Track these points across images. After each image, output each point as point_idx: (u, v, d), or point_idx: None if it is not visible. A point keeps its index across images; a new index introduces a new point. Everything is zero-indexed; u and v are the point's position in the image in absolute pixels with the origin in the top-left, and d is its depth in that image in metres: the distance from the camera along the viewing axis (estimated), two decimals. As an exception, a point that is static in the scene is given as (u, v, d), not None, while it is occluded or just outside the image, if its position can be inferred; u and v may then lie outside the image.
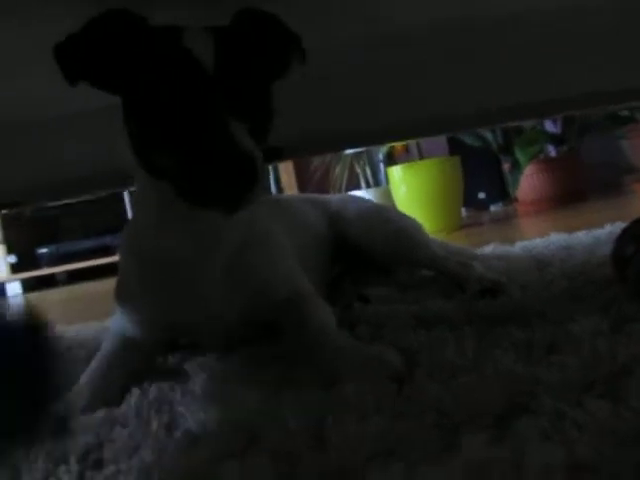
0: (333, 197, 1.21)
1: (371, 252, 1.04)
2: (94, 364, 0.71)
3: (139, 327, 0.75)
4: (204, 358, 0.75)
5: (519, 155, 3.18)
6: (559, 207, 3.00)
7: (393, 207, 1.13)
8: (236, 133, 0.54)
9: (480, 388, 0.50)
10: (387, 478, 0.37)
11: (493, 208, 3.87)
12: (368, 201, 1.21)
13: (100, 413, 0.59)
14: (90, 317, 1.60)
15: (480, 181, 3.72)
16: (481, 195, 3.95)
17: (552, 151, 3.38)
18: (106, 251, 3.79)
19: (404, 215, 1.13)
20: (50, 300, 2.89)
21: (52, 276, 3.85)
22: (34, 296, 3.20)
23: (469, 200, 3.49)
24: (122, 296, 0.76)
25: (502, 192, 3.77)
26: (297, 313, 0.71)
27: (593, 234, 1.39)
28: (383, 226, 1.05)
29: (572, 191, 3.14)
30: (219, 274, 0.71)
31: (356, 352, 0.63)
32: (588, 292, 0.78)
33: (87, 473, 0.46)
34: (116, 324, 0.78)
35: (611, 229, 1.39)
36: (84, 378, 0.68)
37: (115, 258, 3.84)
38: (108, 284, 3.05)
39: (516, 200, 3.43)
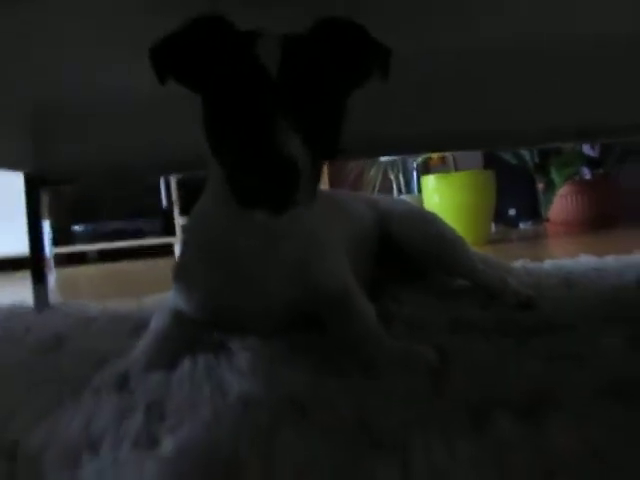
0: (382, 197, 1.26)
1: (414, 254, 1.08)
2: (149, 335, 0.77)
3: (193, 306, 0.80)
4: (247, 339, 0.81)
5: (554, 175, 3.19)
6: (590, 230, 3.00)
7: (438, 217, 1.17)
8: (285, 140, 0.57)
9: (504, 384, 0.55)
10: (430, 451, 0.42)
11: (522, 226, 3.87)
12: (416, 206, 1.26)
13: (157, 376, 0.65)
14: (122, 295, 1.67)
15: (512, 198, 3.72)
16: (511, 212, 3.96)
17: (587, 174, 3.37)
18: (137, 234, 3.92)
19: (448, 225, 1.17)
20: (82, 275, 2.99)
21: (84, 254, 3.97)
22: (68, 271, 3.30)
23: (499, 216, 3.50)
24: (181, 276, 0.82)
25: (533, 211, 3.77)
26: (343, 309, 0.76)
27: (622, 260, 1.41)
28: (430, 232, 1.08)
29: (604, 215, 3.13)
30: (277, 268, 0.76)
31: (395, 347, 0.68)
32: (617, 311, 0.81)
33: (152, 424, 0.52)
34: (172, 300, 0.83)
35: (640, 257, 1.41)
36: (140, 347, 0.74)
37: (145, 242, 3.97)
38: (137, 265, 3.16)
39: (547, 220, 3.43)
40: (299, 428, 0.49)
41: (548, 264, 1.45)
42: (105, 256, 3.97)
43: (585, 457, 0.39)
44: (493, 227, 3.48)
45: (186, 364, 0.69)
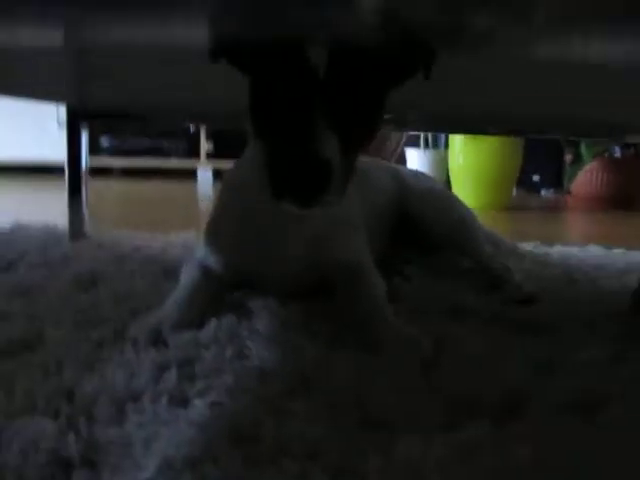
0: (405, 170, 1.30)
1: (429, 234, 1.14)
2: (179, 290, 0.85)
3: (220, 264, 0.88)
4: (267, 300, 0.89)
5: (584, 150, 3.17)
6: (610, 209, 3.01)
7: (457, 197, 1.22)
8: (322, 140, 0.61)
9: (483, 384, 0.63)
10: (406, 440, 0.50)
11: (544, 193, 3.88)
12: (438, 184, 1.30)
13: (187, 334, 0.74)
14: (148, 222, 1.77)
15: (537, 165, 3.71)
16: (535, 178, 3.95)
17: (617, 152, 3.34)
18: (159, 152, 4.04)
19: (466, 206, 1.22)
20: (109, 193, 3.09)
21: (110, 169, 4.06)
22: (95, 185, 3.40)
23: (522, 180, 3.51)
24: (212, 234, 0.90)
25: (557, 180, 3.77)
26: (355, 285, 0.84)
27: (630, 255, 1.46)
28: (448, 214, 1.14)
29: (628, 196, 3.13)
30: (297, 242, 0.83)
31: (397, 330, 0.76)
32: (602, 321, 0.87)
33: (184, 383, 0.61)
34: (200, 255, 0.91)
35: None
36: (171, 300, 0.83)
37: (169, 163, 4.05)
38: (159, 187, 3.23)
39: (569, 192, 3.43)
40: (305, 401, 0.58)
41: (556, 251, 1.50)
42: (129, 173, 4.06)
43: (537, 469, 0.48)
44: (515, 191, 3.49)
45: (212, 324, 0.78)
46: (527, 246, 1.53)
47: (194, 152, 4.05)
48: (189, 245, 1.30)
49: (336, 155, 0.62)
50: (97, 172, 4.00)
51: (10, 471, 0.45)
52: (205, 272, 0.89)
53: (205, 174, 3.82)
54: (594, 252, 1.50)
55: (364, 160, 1.19)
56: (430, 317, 0.86)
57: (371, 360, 0.69)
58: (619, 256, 1.46)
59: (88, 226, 1.50)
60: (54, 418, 0.51)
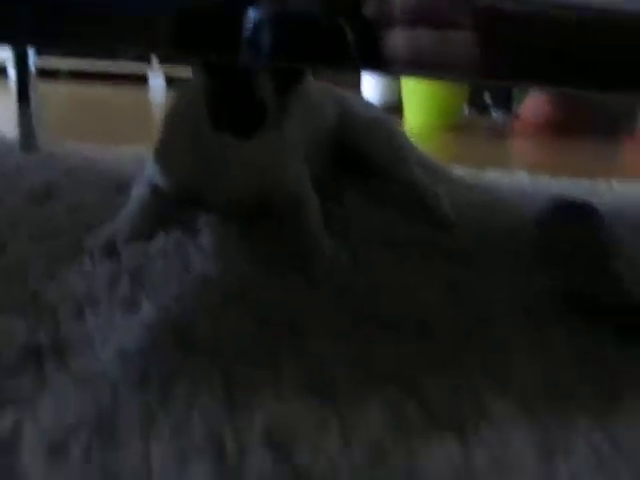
0: (350, 97, 1.36)
1: (367, 160, 1.22)
2: (131, 205, 0.93)
3: (168, 183, 0.96)
4: (211, 219, 0.97)
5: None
6: (557, 135, 3.13)
7: (399, 128, 1.30)
8: (257, 79, 0.69)
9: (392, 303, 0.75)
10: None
11: (495, 114, 3.97)
12: (382, 113, 1.37)
13: (138, 246, 0.82)
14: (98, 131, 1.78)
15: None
16: (487, 98, 4.02)
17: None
18: (111, 55, 3.85)
19: (406, 136, 1.30)
20: (57, 97, 3.00)
21: (56, 71, 3.88)
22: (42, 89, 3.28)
23: (474, 100, 3.59)
24: (161, 154, 0.96)
25: (507, 102, 3.86)
26: (294, 211, 0.94)
27: (559, 184, 1.59)
28: (387, 141, 1.23)
29: (575, 121, 3.22)
30: (241, 168, 0.91)
31: (325, 251, 0.87)
32: (513, 248, 1.00)
33: (135, 290, 0.70)
34: (150, 172, 0.97)
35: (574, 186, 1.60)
36: (123, 214, 0.91)
37: (114, 65, 3.90)
38: (108, 92, 3.12)
39: (517, 116, 3.53)
40: (240, 308, 0.69)
41: (489, 177, 1.62)
42: (77, 76, 3.90)
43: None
44: (466, 110, 3.56)
45: (160, 238, 0.87)
46: (461, 171, 1.64)
47: (145, 56, 3.91)
48: (140, 159, 1.34)
49: (270, 93, 0.70)
50: (43, 74, 3.83)
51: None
52: (154, 189, 0.96)
53: (157, 81, 3.72)
54: (520, 180, 1.63)
55: (311, 86, 1.24)
56: (357, 242, 0.97)
57: (299, 278, 0.80)
58: (547, 185, 1.59)
59: (38, 136, 1.51)
60: (24, 318, 0.60)
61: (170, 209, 0.98)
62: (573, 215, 1.00)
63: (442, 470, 0.46)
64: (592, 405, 0.56)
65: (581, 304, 0.75)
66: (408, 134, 1.40)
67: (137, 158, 1.39)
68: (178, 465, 0.43)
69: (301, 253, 0.87)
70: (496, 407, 0.53)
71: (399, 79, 3.18)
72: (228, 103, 0.71)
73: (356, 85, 3.23)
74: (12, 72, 1.63)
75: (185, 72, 0.99)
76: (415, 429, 0.50)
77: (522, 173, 1.69)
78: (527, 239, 1.05)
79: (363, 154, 1.22)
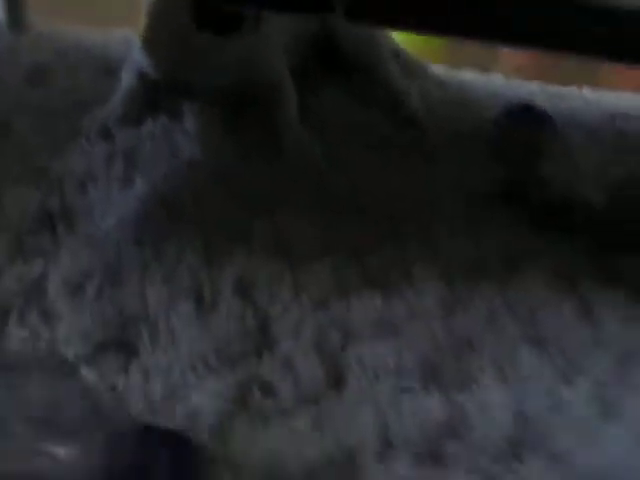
0: None
1: (344, 53, 1.27)
2: (121, 90, 1.00)
3: (155, 69, 1.02)
4: (195, 104, 1.05)
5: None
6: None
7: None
8: None
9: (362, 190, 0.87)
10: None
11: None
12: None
13: (130, 129, 0.92)
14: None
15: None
16: None
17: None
18: None
19: (385, 32, 1.33)
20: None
21: None
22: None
23: None
24: (147, 41, 1.01)
25: None
26: (273, 100, 1.02)
27: (529, 87, 1.65)
28: (366, 35, 1.25)
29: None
30: (225, 56, 0.97)
31: (301, 141, 0.97)
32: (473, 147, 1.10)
33: (129, 168, 0.81)
34: (138, 57, 1.03)
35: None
36: (115, 99, 0.99)
37: None
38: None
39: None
40: (222, 189, 0.81)
41: (465, 76, 1.66)
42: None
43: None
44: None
45: (149, 123, 0.96)
46: (438, 69, 1.68)
47: None
48: (128, 42, 1.37)
49: None
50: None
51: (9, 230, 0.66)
52: (142, 77, 1.03)
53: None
54: (497, 81, 1.67)
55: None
56: (330, 136, 1.06)
57: (277, 163, 0.91)
58: (518, 87, 1.64)
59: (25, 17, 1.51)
60: (36, 189, 0.72)
61: (158, 95, 1.05)
62: (526, 119, 1.10)
63: (369, 317, 0.61)
64: (498, 276, 0.71)
65: (512, 201, 0.88)
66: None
67: (125, 40, 1.41)
68: (167, 303, 0.58)
69: (276, 141, 0.97)
70: (419, 273, 0.68)
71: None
72: (209, 3, 0.77)
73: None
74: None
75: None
76: (353, 288, 0.65)
77: (497, 75, 1.73)
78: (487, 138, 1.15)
79: (344, 52, 1.27)
